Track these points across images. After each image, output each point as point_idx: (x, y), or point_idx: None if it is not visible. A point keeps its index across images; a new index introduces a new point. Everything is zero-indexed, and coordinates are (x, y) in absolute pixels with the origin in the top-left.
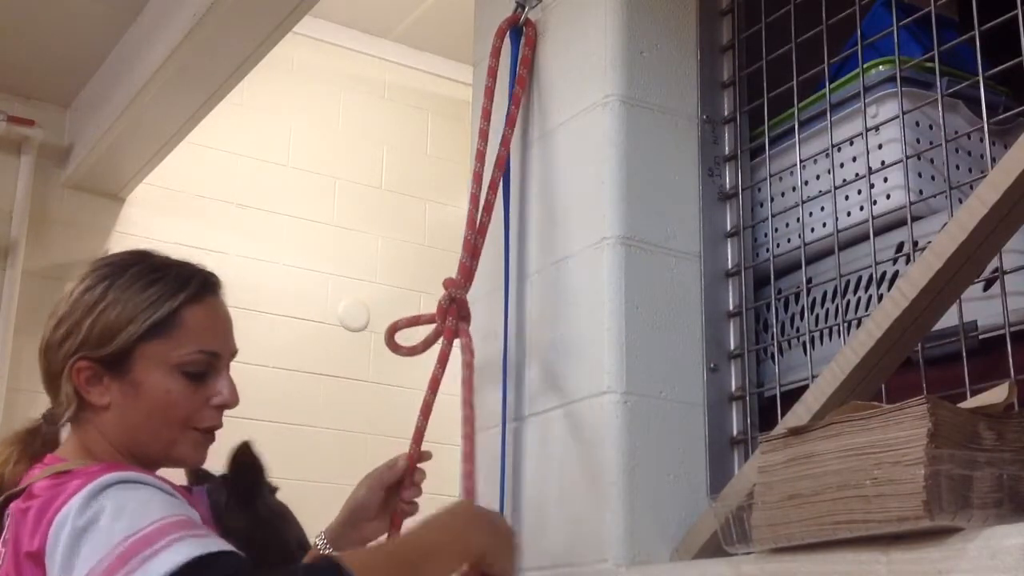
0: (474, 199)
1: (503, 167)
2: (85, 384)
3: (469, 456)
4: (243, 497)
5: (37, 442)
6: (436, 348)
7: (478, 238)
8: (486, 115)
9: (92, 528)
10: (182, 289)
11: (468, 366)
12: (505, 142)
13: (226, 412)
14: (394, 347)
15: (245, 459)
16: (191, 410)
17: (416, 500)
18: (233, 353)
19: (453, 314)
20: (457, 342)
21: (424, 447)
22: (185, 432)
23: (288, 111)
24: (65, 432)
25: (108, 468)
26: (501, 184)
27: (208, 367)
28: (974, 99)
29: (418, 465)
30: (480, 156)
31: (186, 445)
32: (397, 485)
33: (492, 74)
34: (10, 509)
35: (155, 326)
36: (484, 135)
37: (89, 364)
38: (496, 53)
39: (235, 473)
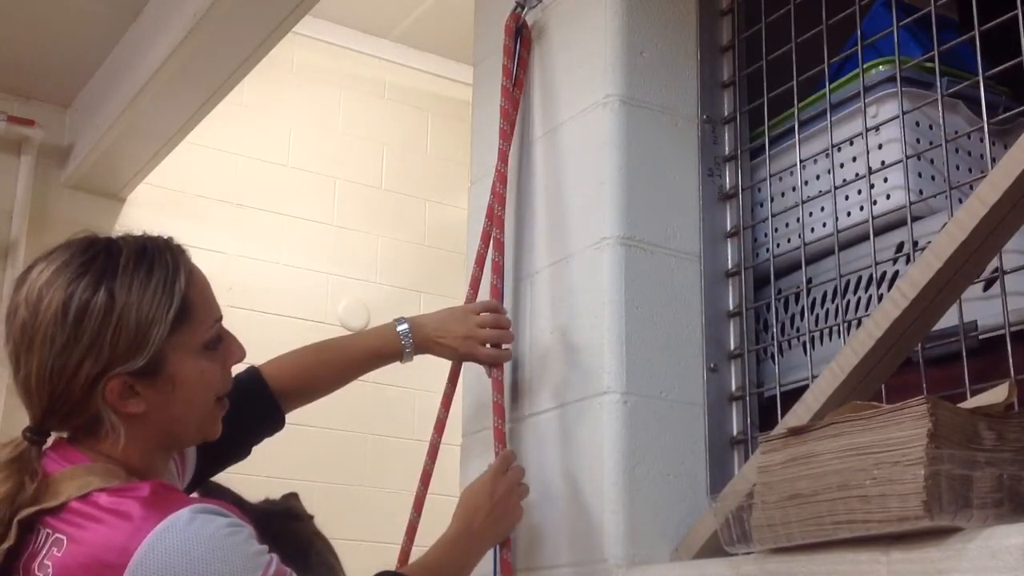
0: (499, 198)
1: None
2: (118, 401)
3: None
4: None
5: (36, 464)
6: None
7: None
8: (505, 114)
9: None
10: (176, 268)
11: None
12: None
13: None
14: None
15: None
16: (219, 381)
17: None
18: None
19: None
20: None
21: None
22: (216, 406)
23: (288, 111)
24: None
25: (166, 491)
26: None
27: (220, 333)
28: (974, 99)
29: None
30: (503, 155)
31: (215, 420)
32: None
33: (507, 74)
34: (49, 522)
35: (176, 317)
36: (505, 135)
37: (121, 380)
38: (508, 52)
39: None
